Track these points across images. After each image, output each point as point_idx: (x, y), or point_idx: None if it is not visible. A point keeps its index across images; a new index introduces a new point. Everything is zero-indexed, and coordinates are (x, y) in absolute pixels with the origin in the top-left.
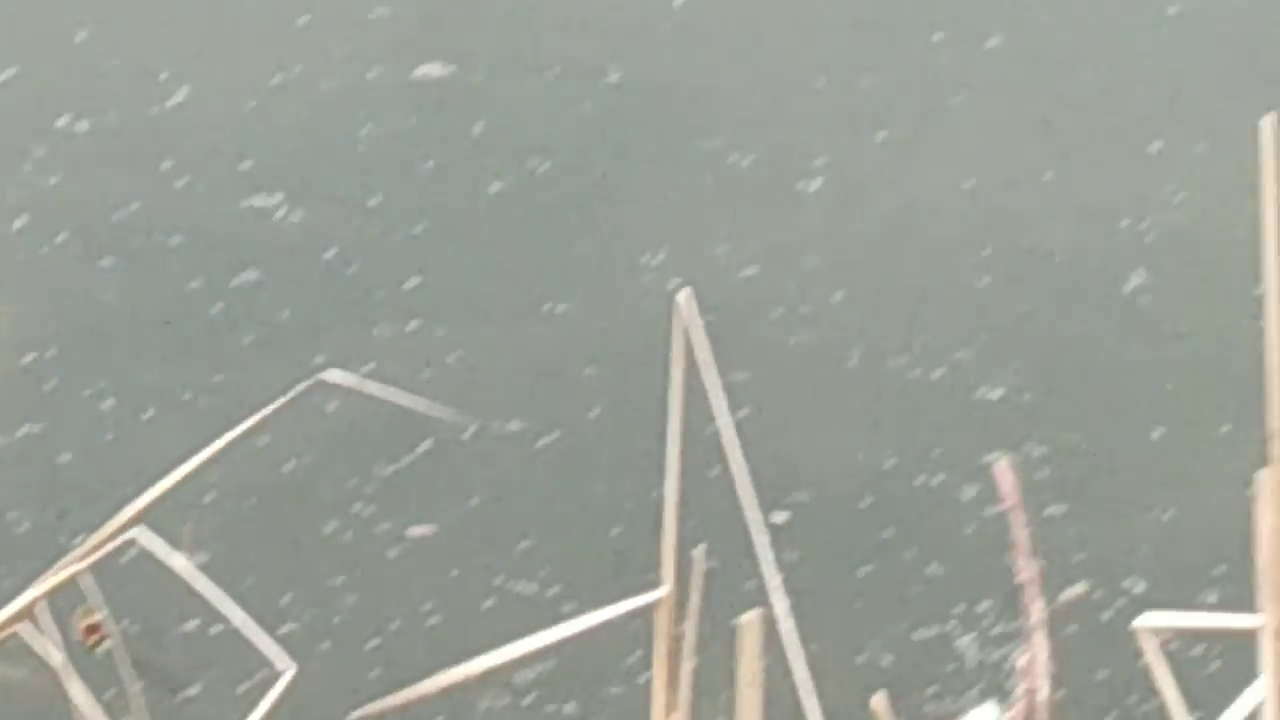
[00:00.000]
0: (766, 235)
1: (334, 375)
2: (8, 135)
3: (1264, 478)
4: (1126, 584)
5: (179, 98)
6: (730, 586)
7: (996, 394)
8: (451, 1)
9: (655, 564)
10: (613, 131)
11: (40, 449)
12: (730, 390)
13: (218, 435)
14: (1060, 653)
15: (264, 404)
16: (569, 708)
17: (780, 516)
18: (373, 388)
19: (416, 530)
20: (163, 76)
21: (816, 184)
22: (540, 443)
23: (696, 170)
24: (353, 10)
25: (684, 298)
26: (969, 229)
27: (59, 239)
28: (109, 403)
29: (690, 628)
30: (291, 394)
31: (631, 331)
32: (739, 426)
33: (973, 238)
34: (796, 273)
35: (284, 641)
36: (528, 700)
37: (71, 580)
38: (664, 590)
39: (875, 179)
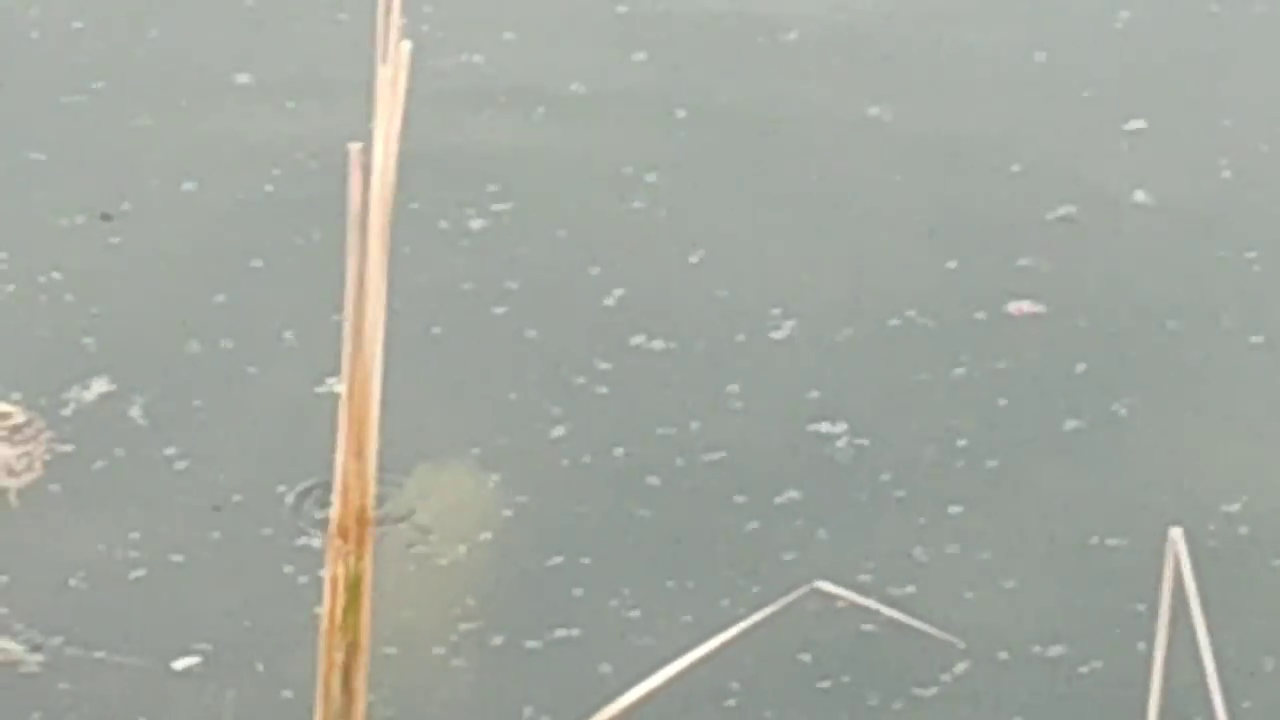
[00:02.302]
0: None
1: (826, 586)
2: (580, 350)
3: None
4: None
5: (782, 332)
6: None
7: None
8: (1042, 237)
9: None
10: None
11: (576, 654)
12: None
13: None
14: None
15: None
16: None
17: None
18: (865, 600)
19: None
20: (774, 310)
21: None
22: (1082, 669)
23: None
24: (979, 249)
25: (1176, 534)
26: None
27: (612, 451)
28: (635, 612)
29: None
30: (783, 602)
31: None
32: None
33: None
34: None
35: None
36: None
37: None
38: None
39: None
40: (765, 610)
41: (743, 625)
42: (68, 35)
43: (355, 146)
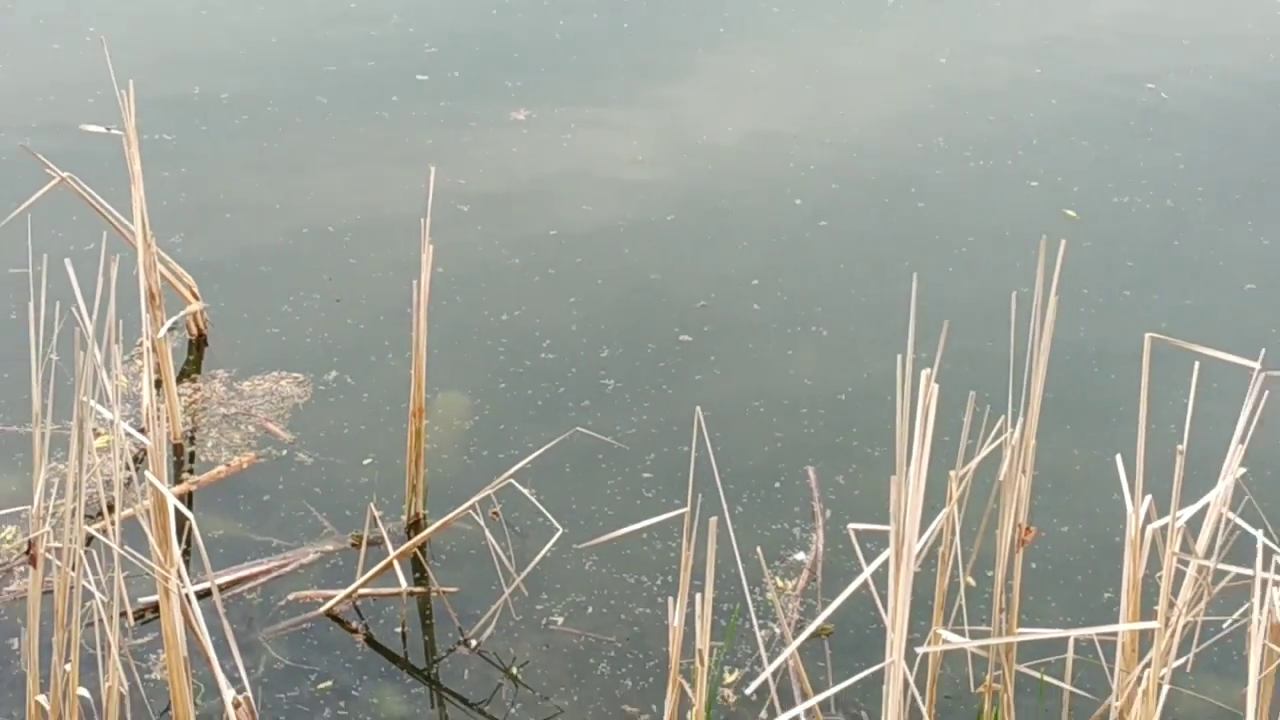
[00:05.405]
0: None
1: (584, 430)
2: (511, 358)
3: None
4: None
5: (605, 353)
6: None
7: None
8: (696, 311)
9: None
10: None
11: (505, 456)
12: None
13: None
14: None
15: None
16: None
17: None
18: (596, 433)
19: None
20: (602, 347)
21: None
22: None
23: None
24: (668, 317)
25: (699, 411)
26: None
27: (525, 393)
28: (530, 443)
29: None
30: (561, 438)
31: None
32: None
33: None
34: None
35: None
36: None
37: (487, 498)
38: None
39: None
40: (562, 437)
41: (556, 441)
42: None
43: (415, 281)
